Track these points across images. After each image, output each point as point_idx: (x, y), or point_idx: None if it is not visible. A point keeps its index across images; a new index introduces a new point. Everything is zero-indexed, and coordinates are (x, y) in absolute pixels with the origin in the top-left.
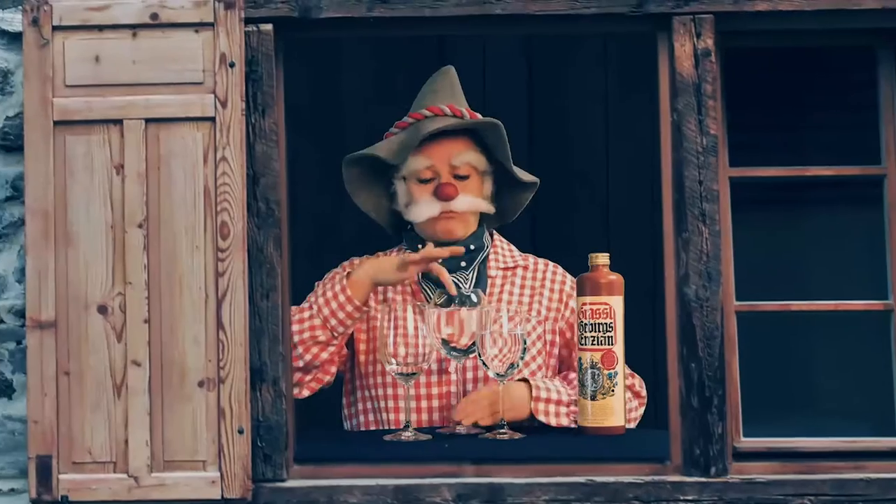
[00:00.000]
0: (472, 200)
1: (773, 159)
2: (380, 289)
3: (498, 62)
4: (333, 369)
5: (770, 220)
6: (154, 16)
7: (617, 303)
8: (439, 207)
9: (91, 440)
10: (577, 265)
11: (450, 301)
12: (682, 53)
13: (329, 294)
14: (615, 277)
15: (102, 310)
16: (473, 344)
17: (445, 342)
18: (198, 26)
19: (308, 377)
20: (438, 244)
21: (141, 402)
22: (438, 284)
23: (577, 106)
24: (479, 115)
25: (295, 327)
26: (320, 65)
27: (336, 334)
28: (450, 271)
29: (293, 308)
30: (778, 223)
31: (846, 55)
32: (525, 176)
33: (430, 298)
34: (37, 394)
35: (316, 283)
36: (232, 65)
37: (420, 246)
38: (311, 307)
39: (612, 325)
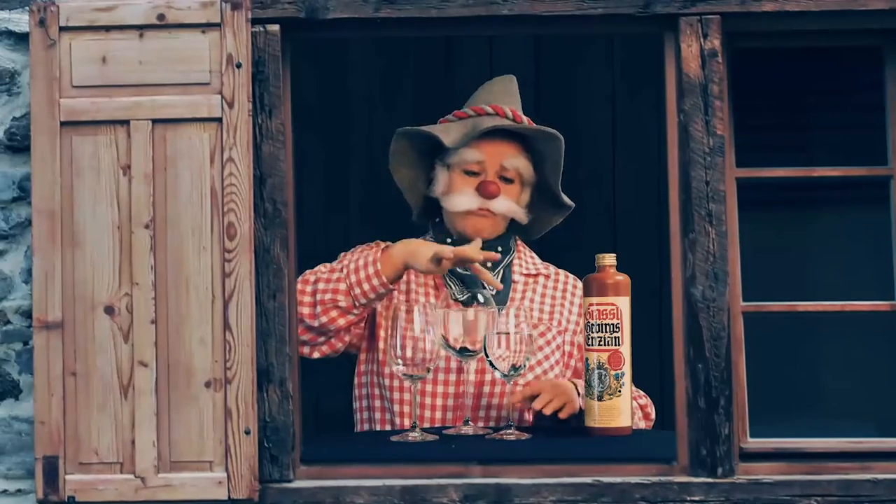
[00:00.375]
0: (510, 205)
1: (780, 160)
2: (403, 283)
3: (505, 62)
4: (347, 338)
5: (777, 221)
6: (161, 16)
7: (623, 303)
8: (478, 203)
9: (98, 441)
10: (583, 265)
11: (472, 299)
12: (688, 54)
13: (361, 262)
14: (622, 278)
15: (109, 310)
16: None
17: (447, 343)
18: (205, 27)
19: (321, 339)
20: (465, 241)
21: (148, 402)
22: (464, 281)
23: (585, 106)
24: (534, 125)
25: (321, 285)
26: (327, 65)
27: (357, 304)
28: None
29: (324, 265)
30: (785, 224)
31: (853, 56)
32: (564, 198)
33: (455, 295)
34: (43, 394)
35: (341, 254)
36: (239, 65)
37: (449, 241)
38: (341, 270)
39: (619, 325)
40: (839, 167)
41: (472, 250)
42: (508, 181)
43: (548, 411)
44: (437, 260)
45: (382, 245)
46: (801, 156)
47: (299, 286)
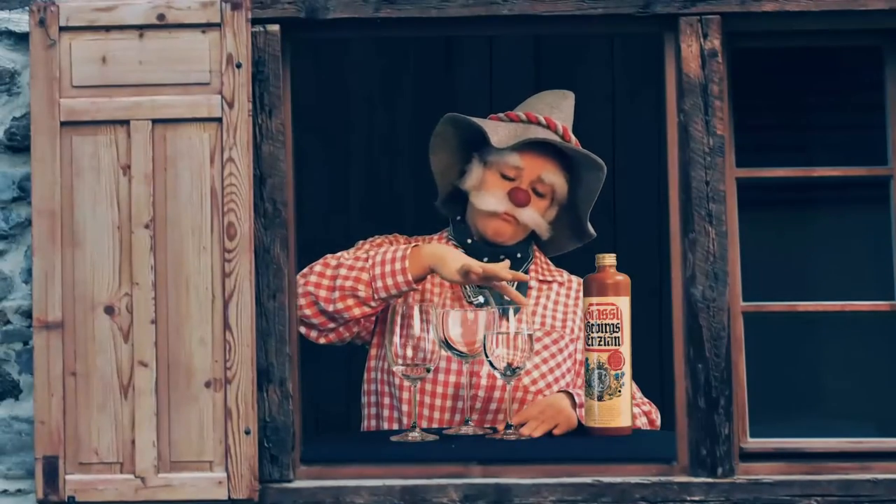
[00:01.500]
0: (536, 217)
1: (780, 160)
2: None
3: (505, 62)
4: (356, 329)
5: (777, 221)
6: (161, 16)
7: (623, 303)
8: (505, 207)
9: (98, 441)
10: (583, 265)
11: (487, 302)
12: (688, 54)
13: (388, 256)
14: (622, 278)
15: (109, 310)
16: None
17: (447, 343)
18: (205, 27)
19: (331, 325)
20: (484, 242)
21: (148, 402)
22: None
23: (585, 106)
24: (581, 148)
25: (342, 271)
26: (327, 65)
27: (376, 297)
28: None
29: (347, 252)
30: (785, 224)
31: (853, 55)
32: (589, 227)
33: (469, 297)
34: (43, 394)
35: (359, 242)
36: (239, 65)
37: (469, 241)
38: (367, 259)
39: (619, 325)
40: (839, 167)
41: (503, 269)
42: (540, 195)
43: (536, 434)
44: (465, 273)
45: (401, 239)
46: (801, 156)
47: (319, 268)
